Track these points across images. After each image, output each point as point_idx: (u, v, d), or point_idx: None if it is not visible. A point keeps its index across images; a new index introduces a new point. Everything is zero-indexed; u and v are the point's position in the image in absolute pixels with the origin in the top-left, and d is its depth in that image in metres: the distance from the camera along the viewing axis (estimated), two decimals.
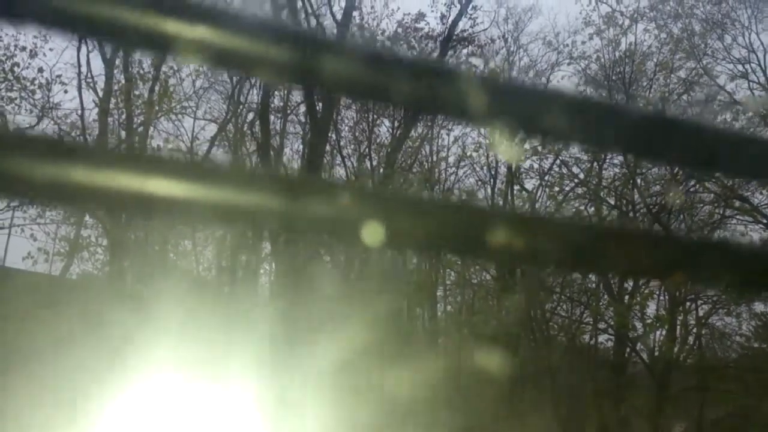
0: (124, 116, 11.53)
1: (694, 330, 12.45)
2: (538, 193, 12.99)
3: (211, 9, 0.47)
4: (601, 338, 12.71)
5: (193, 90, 12.32)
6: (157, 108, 11.62)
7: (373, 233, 0.53)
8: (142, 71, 11.37)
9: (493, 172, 13.03)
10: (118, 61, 11.20)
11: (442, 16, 12.78)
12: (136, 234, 10.36)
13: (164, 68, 11.04)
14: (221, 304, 10.95)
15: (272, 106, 12.07)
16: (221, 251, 11.84)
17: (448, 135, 13.13)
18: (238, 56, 0.48)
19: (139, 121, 11.66)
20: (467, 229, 0.53)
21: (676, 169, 10.14)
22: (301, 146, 12.99)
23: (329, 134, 12.08)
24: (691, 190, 11.94)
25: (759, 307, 11.41)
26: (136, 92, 11.48)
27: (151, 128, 11.83)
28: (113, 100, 11.47)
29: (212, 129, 12.71)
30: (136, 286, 11.14)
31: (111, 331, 7.55)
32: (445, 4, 12.66)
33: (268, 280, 12.45)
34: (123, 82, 11.47)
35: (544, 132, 0.67)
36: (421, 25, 12.88)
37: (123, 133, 11.54)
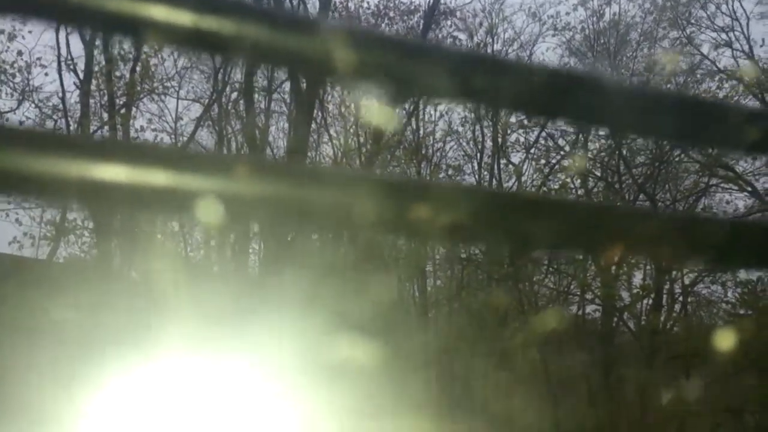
0: (105, 98, 11.40)
1: (680, 298, 12.59)
2: (525, 167, 13.01)
3: None
4: (589, 309, 12.83)
5: (175, 70, 12.18)
6: (138, 88, 11.50)
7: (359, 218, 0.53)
8: (122, 52, 11.24)
9: (479, 147, 13.02)
10: (98, 42, 11.05)
11: None
12: (122, 215, 10.31)
13: (145, 48, 10.92)
14: (211, 284, 10.96)
15: (256, 84, 11.97)
16: (209, 231, 11.81)
17: (435, 110, 13.08)
18: (212, 38, 0.48)
19: (121, 102, 11.54)
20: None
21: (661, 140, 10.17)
22: (287, 125, 12.90)
23: (315, 112, 12.00)
24: (676, 159, 12.02)
25: (743, 275, 11.54)
26: (117, 73, 11.34)
27: (134, 109, 11.71)
28: (94, 82, 11.33)
29: (196, 108, 12.59)
30: (124, 267, 11.11)
31: (100, 313, 7.54)
32: None
33: (257, 258, 12.44)
34: (103, 63, 11.32)
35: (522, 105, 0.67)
36: None
37: (105, 115, 11.42)
